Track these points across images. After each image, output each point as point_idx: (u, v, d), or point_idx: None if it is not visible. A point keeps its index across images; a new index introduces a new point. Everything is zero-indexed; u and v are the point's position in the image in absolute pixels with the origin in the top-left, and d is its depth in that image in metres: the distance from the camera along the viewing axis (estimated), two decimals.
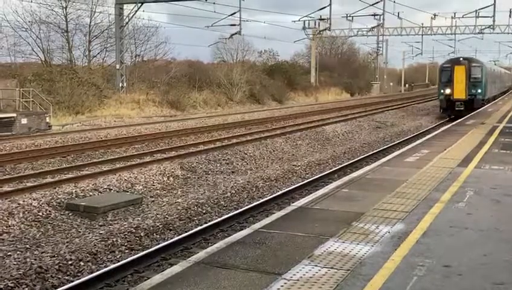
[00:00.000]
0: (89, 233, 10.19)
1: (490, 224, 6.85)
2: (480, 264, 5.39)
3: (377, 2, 42.39)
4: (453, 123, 22.02)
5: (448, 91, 32.70)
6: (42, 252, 9.02)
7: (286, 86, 55.67)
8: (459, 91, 32.39)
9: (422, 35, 62.03)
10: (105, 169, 15.50)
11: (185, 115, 35.97)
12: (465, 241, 6.14)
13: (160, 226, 10.57)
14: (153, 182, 14.42)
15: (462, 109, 31.84)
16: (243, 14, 35.40)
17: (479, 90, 32.76)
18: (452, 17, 53.24)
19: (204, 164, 17.21)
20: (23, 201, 11.62)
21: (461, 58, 33.93)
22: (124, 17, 38.78)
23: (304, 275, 5.02)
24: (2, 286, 7.67)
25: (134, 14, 38.73)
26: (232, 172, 16.71)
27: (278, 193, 13.17)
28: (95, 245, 9.32)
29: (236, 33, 38.23)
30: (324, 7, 42.15)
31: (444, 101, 33.29)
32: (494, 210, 7.61)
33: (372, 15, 50.17)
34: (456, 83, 32.50)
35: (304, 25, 58.32)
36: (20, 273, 8.06)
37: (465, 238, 6.25)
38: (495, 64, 58.80)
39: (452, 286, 4.84)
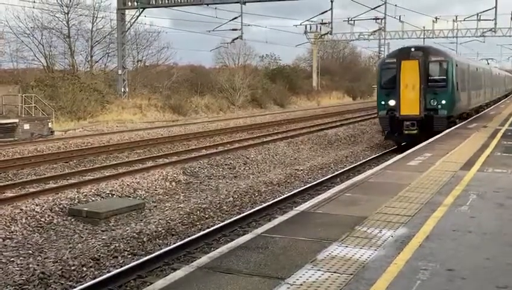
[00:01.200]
0: (92, 238, 10.19)
1: (493, 227, 6.83)
2: (483, 268, 5.38)
3: (379, 6, 42.36)
4: (455, 126, 21.84)
5: (392, 103, 20.93)
6: (45, 258, 9.02)
7: (288, 90, 55.72)
8: (409, 103, 20.62)
9: (424, 38, 62.02)
10: (107, 174, 15.50)
11: (187, 120, 36.00)
12: (469, 245, 6.12)
13: (162, 231, 10.56)
14: (155, 187, 14.43)
15: (414, 132, 20.48)
16: (244, 19, 35.47)
17: (444, 102, 20.65)
18: (454, 20, 53.25)
19: (206, 168, 17.22)
20: (26, 207, 11.63)
21: (413, 49, 21.31)
22: (126, 23, 38.88)
23: (307, 279, 5.00)
24: None
25: (136, 19, 38.85)
26: (235, 177, 16.70)
27: (281, 198, 13.16)
28: (97, 250, 9.32)
29: (238, 38, 38.19)
30: (326, 11, 42.02)
31: (386, 119, 21.29)
32: (497, 213, 7.59)
33: (373, 19, 50.12)
34: (404, 89, 20.63)
35: (306, 29, 58.32)
36: (23, 279, 8.06)
37: (469, 242, 6.23)
38: (487, 63, 56.51)
39: None
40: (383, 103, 21.42)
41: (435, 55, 21.45)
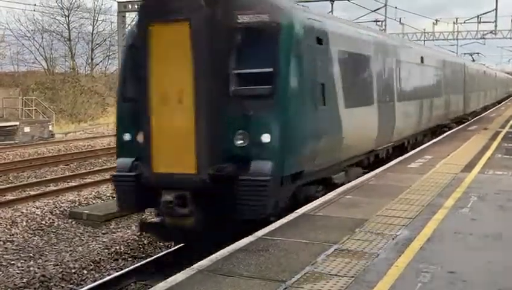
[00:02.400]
0: (92, 241, 10.18)
1: (494, 230, 6.81)
2: (485, 270, 5.37)
3: (379, 8, 42.39)
4: (456, 129, 21.59)
5: (140, 138, 7.96)
6: (45, 261, 9.02)
7: None
8: (172, 143, 7.45)
9: (424, 40, 61.93)
10: (108, 177, 15.47)
11: None
12: (470, 247, 6.11)
13: None
14: None
15: (187, 223, 7.69)
16: None
17: (266, 138, 7.43)
18: (454, 23, 53.16)
19: None
20: (27, 209, 11.64)
21: None
22: (127, 25, 38.90)
23: (308, 282, 4.99)
24: None
25: None
26: None
27: None
28: (98, 253, 9.31)
29: None
30: None
31: (128, 183, 8.11)
32: (498, 216, 7.57)
33: (374, 21, 50.06)
34: (160, 103, 7.50)
35: None
36: (23, 282, 8.06)
37: (470, 244, 6.22)
38: (473, 59, 50.25)
39: None
40: (126, 138, 8.99)
41: (244, 9, 7.93)
